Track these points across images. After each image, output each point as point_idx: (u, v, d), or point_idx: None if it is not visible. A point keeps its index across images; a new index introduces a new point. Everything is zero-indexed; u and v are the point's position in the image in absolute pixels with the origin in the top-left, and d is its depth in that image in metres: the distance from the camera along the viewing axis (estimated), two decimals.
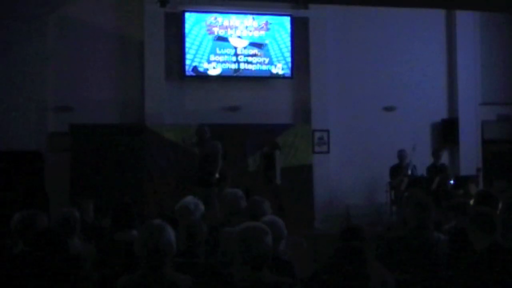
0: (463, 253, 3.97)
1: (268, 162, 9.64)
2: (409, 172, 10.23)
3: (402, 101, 11.51)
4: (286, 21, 11.09)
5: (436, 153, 10.54)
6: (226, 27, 10.85)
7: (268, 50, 10.97)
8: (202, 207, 4.75)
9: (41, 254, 3.34)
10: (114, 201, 5.63)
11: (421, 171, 10.46)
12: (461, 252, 4.04)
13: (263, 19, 11.01)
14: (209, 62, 10.73)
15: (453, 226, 4.76)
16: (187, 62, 10.62)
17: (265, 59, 10.95)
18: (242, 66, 10.87)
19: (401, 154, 10.33)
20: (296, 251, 4.19)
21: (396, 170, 10.30)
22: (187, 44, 10.62)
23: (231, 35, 10.86)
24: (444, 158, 11.46)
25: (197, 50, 10.69)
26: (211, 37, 10.77)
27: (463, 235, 4.04)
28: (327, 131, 11.10)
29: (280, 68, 11.01)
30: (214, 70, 10.78)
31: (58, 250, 3.39)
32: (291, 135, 10.62)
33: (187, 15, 10.66)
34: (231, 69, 10.84)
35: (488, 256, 3.61)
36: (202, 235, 3.93)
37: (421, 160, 10.51)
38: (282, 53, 11.01)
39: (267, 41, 10.99)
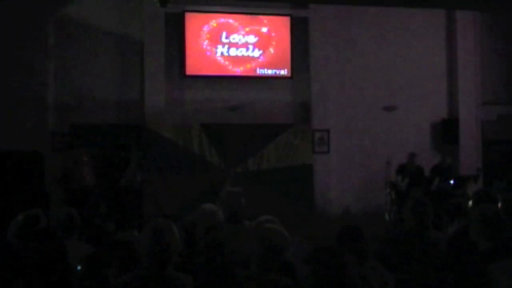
0: (465, 253, 3.96)
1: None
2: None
3: (402, 101, 11.52)
4: (286, 21, 11.09)
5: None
6: (226, 27, 10.85)
7: (268, 50, 10.97)
8: (203, 207, 4.72)
9: (39, 254, 3.33)
10: (114, 201, 5.65)
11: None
12: (462, 252, 4.03)
13: (263, 19, 11.02)
14: (209, 62, 10.73)
15: (458, 227, 4.75)
16: (187, 62, 10.63)
17: (265, 59, 10.95)
18: (242, 66, 10.87)
19: (410, 157, 10.32)
20: (296, 251, 4.18)
21: (403, 170, 10.28)
22: (187, 44, 10.63)
23: (231, 35, 10.86)
24: None
25: (197, 50, 10.69)
26: (211, 37, 10.77)
27: (464, 235, 4.04)
28: (327, 131, 11.11)
29: (280, 68, 11.01)
30: (214, 70, 10.78)
31: (55, 250, 3.39)
32: (291, 135, 10.62)
33: (187, 15, 10.67)
34: (231, 69, 10.84)
35: (492, 256, 3.59)
36: (198, 234, 3.90)
37: (420, 160, 10.51)
38: (282, 53, 11.01)
39: (267, 41, 10.99)
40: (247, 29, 10.93)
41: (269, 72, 11.00)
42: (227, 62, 10.82)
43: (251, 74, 10.94)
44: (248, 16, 10.95)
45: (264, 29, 11.01)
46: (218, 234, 4.33)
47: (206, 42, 10.73)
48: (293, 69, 11.04)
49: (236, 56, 10.84)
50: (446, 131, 11.66)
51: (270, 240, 3.15)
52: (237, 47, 10.86)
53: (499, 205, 4.65)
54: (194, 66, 10.67)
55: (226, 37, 10.82)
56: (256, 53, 10.92)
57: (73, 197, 8.44)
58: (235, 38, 10.86)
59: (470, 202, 4.96)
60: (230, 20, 10.89)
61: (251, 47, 10.91)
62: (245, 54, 10.88)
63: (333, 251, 2.88)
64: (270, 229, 3.29)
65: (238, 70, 10.87)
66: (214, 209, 4.42)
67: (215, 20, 10.81)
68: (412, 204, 4.32)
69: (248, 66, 10.90)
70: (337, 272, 2.77)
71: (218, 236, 4.32)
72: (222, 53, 10.79)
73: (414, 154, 10.33)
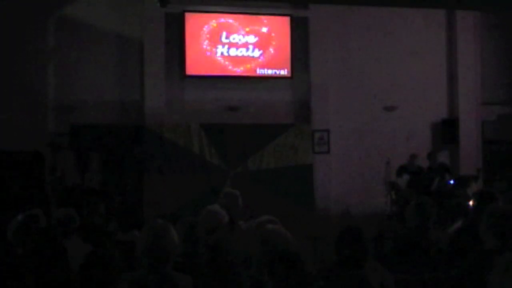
0: (466, 252, 3.95)
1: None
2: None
3: (402, 101, 11.51)
4: (286, 21, 11.08)
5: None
6: (226, 27, 10.85)
7: (268, 50, 10.97)
8: (208, 208, 4.72)
9: (39, 254, 3.34)
10: (114, 201, 5.64)
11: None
12: (463, 252, 4.02)
13: (263, 19, 11.01)
14: (209, 62, 10.73)
15: (459, 227, 4.74)
16: (187, 62, 10.62)
17: (265, 59, 10.95)
18: (242, 66, 10.86)
19: (411, 158, 10.32)
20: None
21: (403, 171, 10.29)
22: (187, 44, 10.63)
23: (231, 35, 10.86)
24: (444, 158, 11.47)
25: (197, 50, 10.69)
26: (211, 37, 10.77)
27: (465, 235, 4.03)
28: (327, 131, 11.10)
29: (280, 68, 11.01)
30: (214, 70, 10.77)
31: (55, 250, 3.39)
32: (291, 135, 10.61)
33: (187, 15, 10.66)
34: (231, 69, 10.83)
35: (495, 254, 3.57)
36: (199, 235, 3.90)
37: (420, 161, 10.52)
38: (282, 53, 11.01)
39: (267, 41, 10.98)
40: (247, 29, 10.92)
41: (269, 72, 10.99)
42: (227, 62, 10.81)
43: (251, 74, 10.93)
44: (248, 16, 10.95)
45: (264, 29, 11.00)
46: (219, 235, 4.33)
47: (206, 42, 10.73)
48: (293, 69, 11.04)
49: (236, 56, 10.84)
50: (446, 131, 11.64)
51: (272, 242, 3.14)
52: (237, 47, 10.85)
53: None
54: (194, 66, 10.66)
55: (226, 37, 10.82)
56: (256, 53, 10.91)
57: (69, 196, 8.44)
58: (235, 38, 10.86)
59: (471, 202, 4.97)
60: (230, 20, 10.88)
61: (251, 47, 10.90)
62: (245, 54, 10.87)
63: (290, 262, 2.82)
64: (273, 231, 3.28)
65: (238, 70, 10.86)
66: (219, 210, 4.42)
67: (215, 20, 10.81)
68: (415, 204, 4.32)
69: (248, 66, 10.89)
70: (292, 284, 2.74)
71: (219, 237, 4.32)
72: (222, 53, 10.78)
73: (415, 156, 10.34)
